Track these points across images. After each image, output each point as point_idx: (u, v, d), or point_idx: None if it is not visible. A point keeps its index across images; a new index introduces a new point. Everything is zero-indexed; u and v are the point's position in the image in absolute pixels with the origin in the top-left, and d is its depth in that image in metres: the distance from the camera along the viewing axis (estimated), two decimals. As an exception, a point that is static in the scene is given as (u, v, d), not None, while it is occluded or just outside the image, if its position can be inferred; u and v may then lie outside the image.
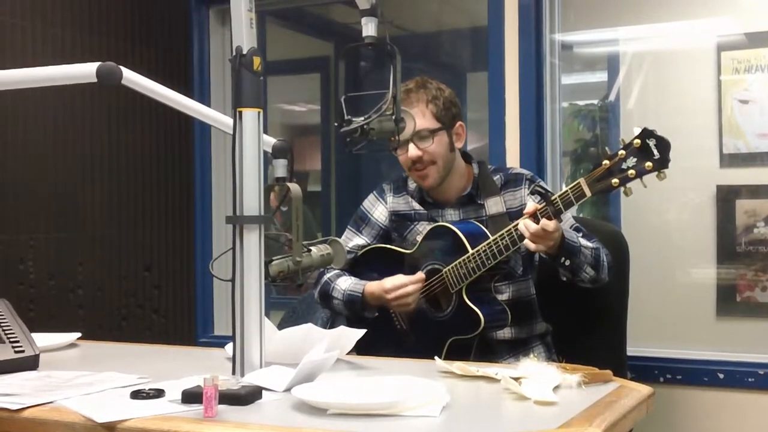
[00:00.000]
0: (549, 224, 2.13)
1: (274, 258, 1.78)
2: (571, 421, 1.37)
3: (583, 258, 2.25)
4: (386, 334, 2.41)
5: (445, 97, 2.44)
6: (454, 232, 2.35)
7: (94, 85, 1.90)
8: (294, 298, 3.56)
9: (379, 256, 2.53)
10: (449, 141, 2.44)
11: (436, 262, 2.39)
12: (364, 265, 2.54)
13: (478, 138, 4.47)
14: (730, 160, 3.01)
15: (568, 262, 2.23)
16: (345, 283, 2.48)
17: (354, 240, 2.57)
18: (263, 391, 1.55)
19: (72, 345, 2.27)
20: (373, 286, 2.42)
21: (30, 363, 1.86)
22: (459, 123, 2.48)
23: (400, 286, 2.35)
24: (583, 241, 2.28)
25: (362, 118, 1.89)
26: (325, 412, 1.42)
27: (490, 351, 2.39)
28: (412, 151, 2.39)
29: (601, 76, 3.56)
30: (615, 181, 2.08)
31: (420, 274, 2.37)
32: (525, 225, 2.15)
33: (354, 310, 2.46)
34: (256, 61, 1.69)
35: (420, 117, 2.37)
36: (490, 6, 3.11)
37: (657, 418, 2.78)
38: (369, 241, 2.57)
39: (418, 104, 2.40)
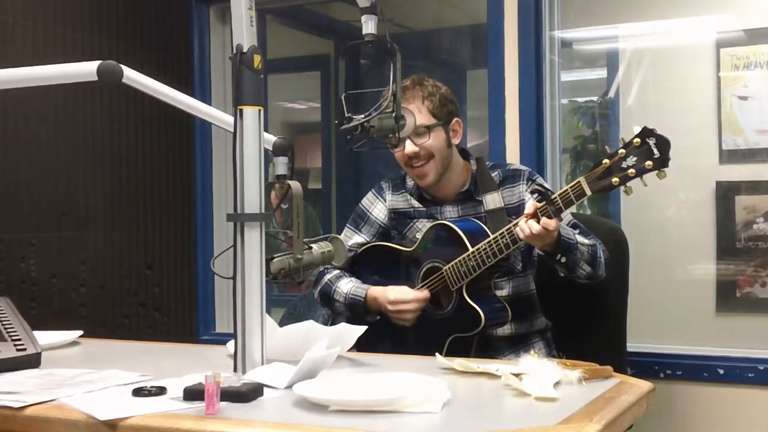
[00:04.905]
0: (550, 224, 2.13)
1: (275, 255, 1.79)
2: (572, 417, 1.38)
3: (580, 255, 2.25)
4: (387, 331, 2.41)
5: (441, 94, 2.45)
6: (454, 230, 2.36)
7: (96, 84, 1.89)
8: (295, 296, 3.57)
9: (378, 254, 2.54)
10: (446, 137, 2.44)
11: (436, 261, 2.39)
12: (363, 263, 2.54)
13: (478, 135, 4.48)
14: (730, 156, 3.02)
15: (564, 259, 2.24)
16: (347, 286, 2.48)
17: (353, 238, 2.58)
18: (265, 388, 1.55)
19: (74, 343, 2.27)
20: (376, 292, 2.42)
21: (32, 361, 1.86)
22: (456, 119, 2.49)
23: (403, 301, 2.36)
24: (580, 238, 2.28)
25: (362, 116, 1.89)
26: (326, 409, 1.42)
27: (490, 348, 2.39)
28: (409, 147, 2.39)
29: (601, 73, 3.56)
30: (615, 179, 2.08)
31: (425, 292, 2.37)
32: (528, 225, 2.15)
33: (356, 314, 2.47)
34: (257, 59, 1.69)
35: (416, 113, 2.36)
36: (490, 3, 3.11)
37: (657, 414, 2.79)
38: (368, 239, 2.57)
39: (414, 101, 2.41)
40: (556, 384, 1.57)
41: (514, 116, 3.06)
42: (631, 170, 2.07)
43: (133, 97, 3.18)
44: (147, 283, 3.47)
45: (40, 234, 3.03)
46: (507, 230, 2.24)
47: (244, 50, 1.68)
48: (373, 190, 2.63)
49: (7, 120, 2.94)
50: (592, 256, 2.29)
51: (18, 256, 2.95)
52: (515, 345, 2.43)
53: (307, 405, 1.45)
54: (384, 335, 2.39)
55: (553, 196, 2.15)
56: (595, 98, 3.68)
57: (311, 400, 1.45)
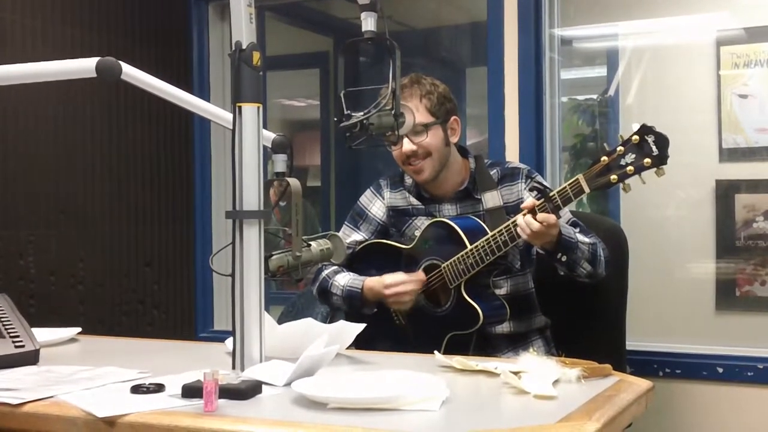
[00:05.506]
0: (549, 218, 2.12)
1: (273, 253, 1.78)
2: (571, 415, 1.37)
3: (580, 254, 2.25)
4: (385, 329, 2.41)
5: (439, 92, 2.45)
6: (453, 227, 2.36)
7: (94, 81, 1.90)
8: (294, 293, 3.57)
9: (377, 251, 2.53)
10: (444, 135, 2.44)
11: (435, 258, 2.39)
12: (362, 261, 2.54)
13: (478, 133, 4.48)
14: (729, 154, 3.02)
15: (564, 258, 2.23)
16: (344, 279, 2.48)
17: (352, 236, 2.57)
18: (263, 386, 1.55)
19: (72, 340, 2.27)
20: (372, 281, 2.42)
21: (30, 358, 1.86)
22: (454, 117, 2.48)
23: (399, 282, 2.36)
24: (580, 237, 2.28)
25: (362, 114, 1.88)
26: (324, 407, 1.42)
27: (488, 345, 2.39)
28: (407, 145, 2.39)
29: (601, 71, 3.56)
30: (613, 177, 2.08)
31: (421, 274, 2.37)
32: (528, 223, 2.15)
33: (353, 306, 2.46)
34: (256, 56, 1.68)
35: (414, 112, 2.35)
36: (490, 1, 3.10)
37: (656, 413, 2.79)
38: (367, 237, 2.57)
39: (412, 99, 2.40)
40: (555, 382, 1.57)
41: (514, 114, 3.05)
42: (630, 167, 2.06)
43: (131, 94, 3.18)
44: (146, 281, 3.47)
45: (39, 231, 3.03)
46: (506, 228, 2.24)
47: (243, 47, 1.68)
48: (371, 187, 2.62)
49: (6, 117, 2.94)
50: (592, 255, 2.29)
51: (17, 253, 2.95)
52: (514, 343, 2.43)
53: (306, 402, 1.45)
54: (383, 333, 2.39)
55: (551, 194, 2.15)
56: (594, 96, 3.68)
57: (310, 398, 1.45)
